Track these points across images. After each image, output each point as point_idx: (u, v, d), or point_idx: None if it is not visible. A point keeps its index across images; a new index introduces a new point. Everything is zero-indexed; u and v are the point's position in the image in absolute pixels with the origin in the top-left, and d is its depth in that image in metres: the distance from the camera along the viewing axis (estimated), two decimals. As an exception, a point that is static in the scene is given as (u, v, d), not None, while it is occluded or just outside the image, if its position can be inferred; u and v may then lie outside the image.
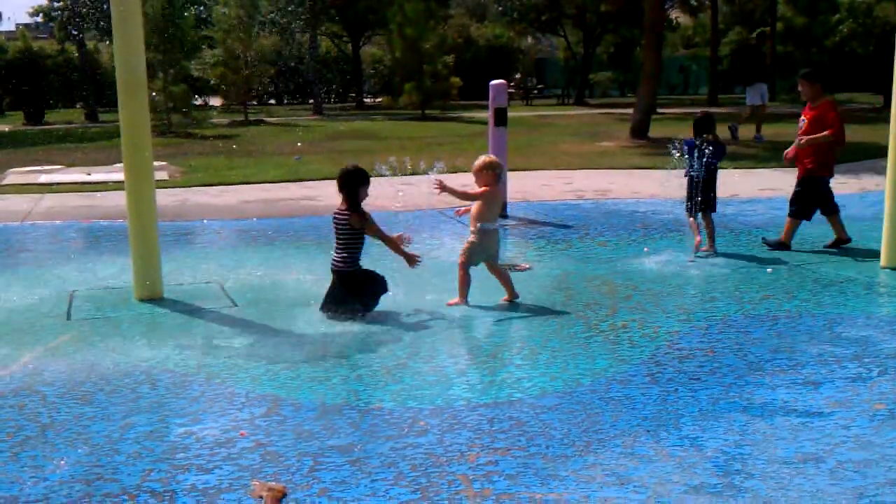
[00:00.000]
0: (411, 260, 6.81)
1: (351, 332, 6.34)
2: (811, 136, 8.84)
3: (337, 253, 6.76)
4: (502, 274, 7.17)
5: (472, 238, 7.01)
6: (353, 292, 6.66)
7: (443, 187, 6.80)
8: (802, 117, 9.17)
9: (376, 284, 6.74)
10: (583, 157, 18.45)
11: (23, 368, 5.59)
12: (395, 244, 6.78)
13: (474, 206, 7.02)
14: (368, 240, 6.80)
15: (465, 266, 6.98)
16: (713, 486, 3.89)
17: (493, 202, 7.04)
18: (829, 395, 4.99)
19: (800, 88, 9.18)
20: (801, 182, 9.07)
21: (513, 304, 7.02)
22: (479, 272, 7.15)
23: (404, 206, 10.39)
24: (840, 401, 4.91)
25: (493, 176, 7.00)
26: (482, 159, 7.10)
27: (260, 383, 5.32)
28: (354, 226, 6.65)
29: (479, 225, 6.96)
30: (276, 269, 8.42)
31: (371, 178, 6.83)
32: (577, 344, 6.02)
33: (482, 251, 7.02)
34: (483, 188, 6.98)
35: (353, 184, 6.68)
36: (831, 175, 9.14)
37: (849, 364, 5.51)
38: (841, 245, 9.07)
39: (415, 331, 6.37)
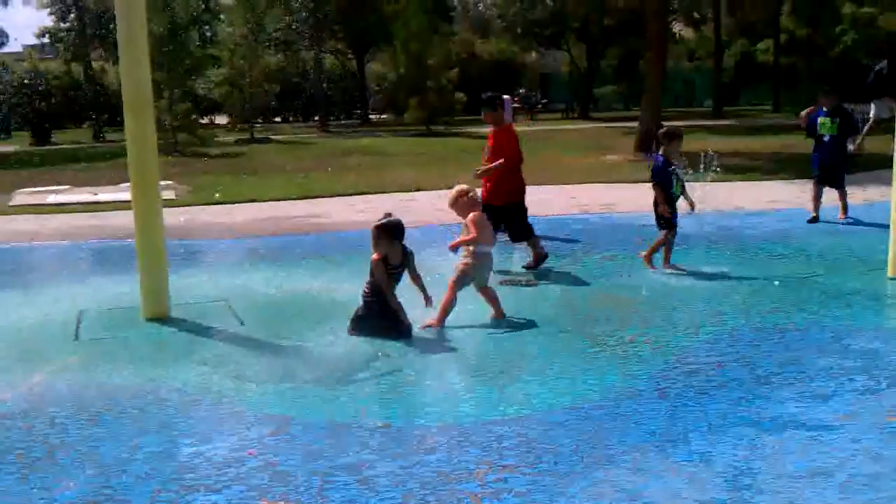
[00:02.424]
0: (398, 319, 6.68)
1: (359, 350, 6.34)
2: (485, 168, 8.97)
3: (366, 283, 6.80)
4: (491, 295, 7.14)
5: (468, 260, 6.98)
6: (370, 322, 6.64)
7: (454, 246, 7.00)
8: (487, 143, 9.24)
9: (393, 322, 6.62)
10: (588, 171, 18.47)
11: (31, 389, 5.60)
12: (390, 299, 6.66)
13: (469, 232, 6.98)
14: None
15: (456, 288, 6.94)
16: (723, 502, 3.88)
17: (485, 226, 7.04)
18: (839, 409, 4.97)
19: (483, 116, 9.22)
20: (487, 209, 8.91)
21: (505, 320, 6.99)
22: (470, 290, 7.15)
23: (410, 222, 10.41)
24: (850, 414, 4.89)
25: (469, 202, 7.06)
26: (454, 191, 7.18)
27: (268, 402, 5.32)
28: (371, 267, 6.68)
29: (473, 248, 6.96)
30: (284, 287, 8.43)
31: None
32: (585, 359, 6.01)
33: (476, 274, 7.01)
34: (471, 217, 6.98)
35: (380, 235, 6.68)
36: (516, 199, 9.13)
37: (858, 376, 5.48)
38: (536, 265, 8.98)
39: (422, 348, 6.36)
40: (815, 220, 11.21)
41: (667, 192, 8.58)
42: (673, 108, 44.79)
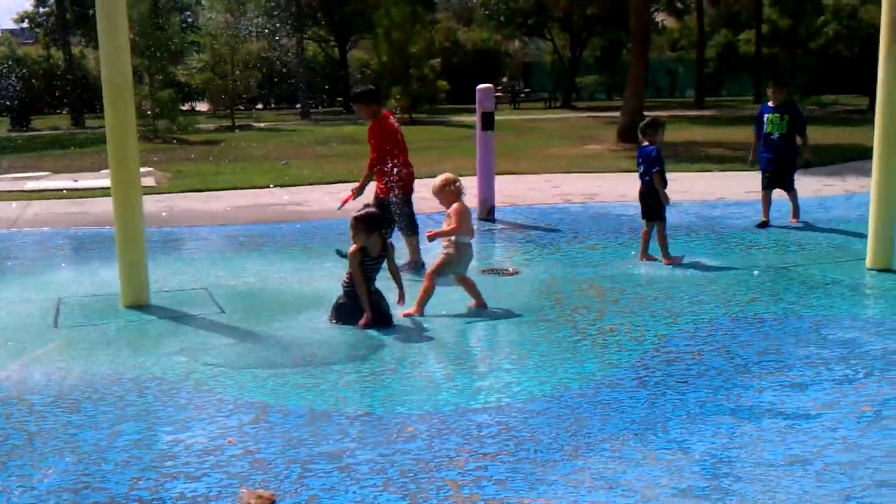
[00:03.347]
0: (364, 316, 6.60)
1: (339, 338, 6.34)
2: (358, 186, 8.66)
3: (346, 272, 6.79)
4: (470, 284, 7.15)
5: (448, 250, 6.97)
6: (350, 311, 6.63)
7: (433, 237, 6.98)
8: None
9: (374, 310, 6.61)
10: (570, 160, 18.50)
11: (9, 377, 5.57)
12: (361, 292, 6.60)
13: (450, 223, 6.94)
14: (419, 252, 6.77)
15: (434, 277, 6.94)
16: (701, 490, 3.90)
17: (466, 217, 7.03)
18: (816, 398, 5.01)
19: (357, 112, 8.67)
20: (378, 204, 8.41)
21: (486, 309, 7.00)
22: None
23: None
24: (827, 403, 4.93)
25: (455, 191, 7.00)
26: (440, 178, 7.07)
27: (248, 390, 5.30)
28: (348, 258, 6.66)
29: (454, 239, 6.95)
30: (264, 275, 8.40)
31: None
32: (565, 348, 6.03)
33: (457, 264, 7.01)
34: (454, 207, 6.94)
35: (357, 226, 6.65)
36: (408, 192, 8.60)
37: (835, 366, 5.53)
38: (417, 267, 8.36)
39: (402, 337, 6.36)
40: (765, 224, 10.28)
41: (664, 179, 8.57)
42: (655, 99, 44.89)
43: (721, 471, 4.08)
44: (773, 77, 10.69)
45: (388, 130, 8.55)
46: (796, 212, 10.50)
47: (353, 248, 6.63)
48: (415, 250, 8.59)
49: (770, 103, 10.35)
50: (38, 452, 4.43)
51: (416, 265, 8.40)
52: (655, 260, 8.60)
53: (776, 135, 10.23)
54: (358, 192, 8.69)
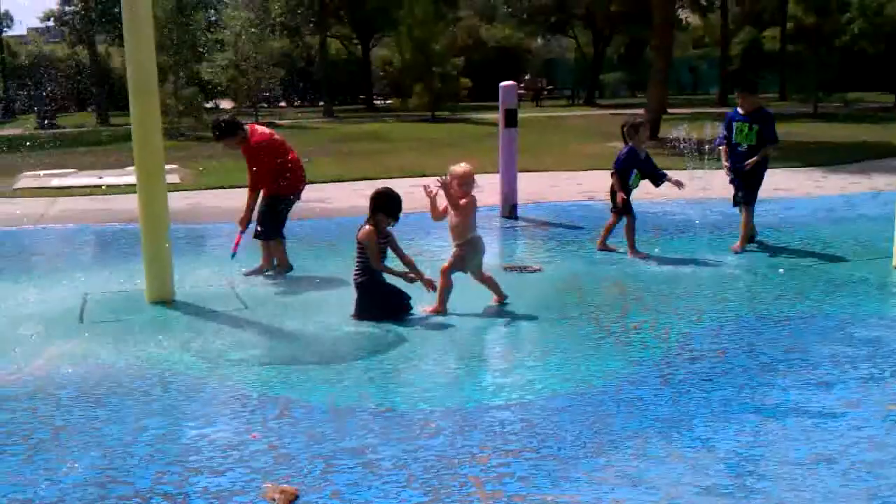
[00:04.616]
0: (426, 283, 6.76)
1: (362, 334, 6.35)
2: (243, 217, 8.27)
3: (355, 264, 6.80)
4: (488, 279, 7.14)
5: (460, 250, 6.96)
6: (366, 303, 6.67)
7: (440, 186, 6.85)
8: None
9: (389, 299, 6.69)
10: (593, 157, 18.41)
11: (36, 371, 5.62)
12: (377, 265, 6.70)
13: (458, 217, 6.92)
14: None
15: (449, 273, 6.92)
16: (725, 488, 3.88)
17: (475, 211, 7.02)
18: (842, 396, 4.97)
19: (226, 145, 8.28)
20: (264, 202, 8.29)
21: (506, 305, 7.00)
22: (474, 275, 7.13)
23: (412, 208, 10.41)
24: (852, 401, 4.89)
25: (473, 183, 7.00)
26: (465, 168, 6.95)
27: (272, 386, 5.33)
28: (360, 240, 6.66)
29: (467, 236, 6.94)
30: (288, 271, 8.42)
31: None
32: (589, 345, 6.01)
33: (471, 258, 6.99)
34: (470, 200, 6.91)
35: (377, 207, 6.71)
36: (295, 193, 8.41)
37: (861, 365, 5.48)
38: (273, 271, 8.35)
39: (425, 333, 6.37)
40: (751, 238, 9.20)
41: (624, 181, 8.91)
42: (678, 96, 44.66)
43: (745, 469, 4.06)
44: (741, 82, 9.05)
45: (269, 146, 8.18)
46: (744, 237, 9.05)
47: (368, 229, 6.66)
48: (282, 253, 8.41)
49: (739, 110, 9.00)
50: (64, 446, 4.48)
51: (286, 268, 8.36)
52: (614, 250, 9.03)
53: (744, 146, 8.86)
54: (245, 226, 8.34)
